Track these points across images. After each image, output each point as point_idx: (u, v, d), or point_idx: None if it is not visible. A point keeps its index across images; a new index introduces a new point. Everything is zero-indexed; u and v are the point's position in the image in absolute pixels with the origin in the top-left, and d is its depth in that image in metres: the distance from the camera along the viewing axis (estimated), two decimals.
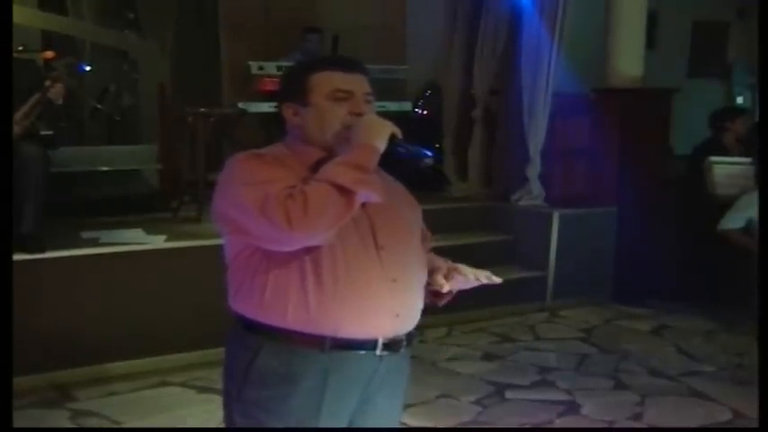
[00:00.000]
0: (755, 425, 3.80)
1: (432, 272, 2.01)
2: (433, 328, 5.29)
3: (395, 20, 7.23)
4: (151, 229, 4.97)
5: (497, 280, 2.00)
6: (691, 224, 5.89)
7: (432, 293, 2.04)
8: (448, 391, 4.14)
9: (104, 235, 4.76)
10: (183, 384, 4.30)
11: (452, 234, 5.68)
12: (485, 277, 1.99)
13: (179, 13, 6.99)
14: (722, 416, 3.95)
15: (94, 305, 4.36)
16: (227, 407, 1.91)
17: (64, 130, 4.63)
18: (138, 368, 4.40)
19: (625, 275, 5.96)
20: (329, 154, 1.84)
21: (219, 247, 4.90)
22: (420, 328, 5.74)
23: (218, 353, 4.69)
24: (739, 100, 9.05)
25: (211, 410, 3.95)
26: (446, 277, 2.00)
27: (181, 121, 5.60)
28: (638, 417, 3.95)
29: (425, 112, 7.20)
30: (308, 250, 1.75)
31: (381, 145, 1.78)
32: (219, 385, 4.33)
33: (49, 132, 4.45)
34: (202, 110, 5.47)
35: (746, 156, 6.03)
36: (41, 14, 6.11)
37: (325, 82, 1.88)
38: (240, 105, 5.96)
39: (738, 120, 6.26)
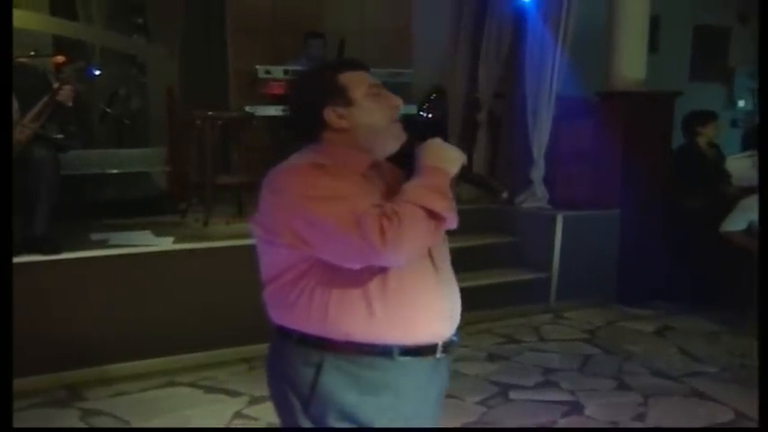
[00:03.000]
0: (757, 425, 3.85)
1: None
2: None
3: (401, 24, 7.27)
4: (159, 231, 5.02)
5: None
6: (692, 227, 5.93)
7: None
8: (453, 391, 4.15)
9: (113, 237, 4.81)
10: (191, 384, 4.35)
11: (457, 236, 5.71)
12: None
13: (187, 17, 7.04)
14: (725, 416, 3.98)
15: (104, 306, 4.41)
16: (290, 422, 1.87)
17: (74, 133, 4.67)
18: (147, 368, 4.45)
19: (628, 277, 6.00)
20: (376, 160, 1.85)
21: (226, 249, 4.96)
22: None
23: (226, 353, 4.79)
24: (741, 104, 9.09)
25: (219, 410, 4.02)
26: None
27: (189, 124, 5.65)
28: (641, 417, 3.98)
29: (431, 116, 7.18)
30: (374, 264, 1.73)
31: (454, 172, 1.78)
32: (227, 385, 4.42)
33: (60, 135, 4.50)
34: (210, 113, 5.52)
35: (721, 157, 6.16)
36: (53, 20, 6.17)
37: (358, 80, 1.85)
38: (247, 109, 6.01)
39: (709, 124, 6.30)
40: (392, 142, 1.87)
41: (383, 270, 1.73)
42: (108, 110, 6.92)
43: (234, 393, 4.22)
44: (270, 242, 1.79)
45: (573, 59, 6.07)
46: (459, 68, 6.87)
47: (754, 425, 3.83)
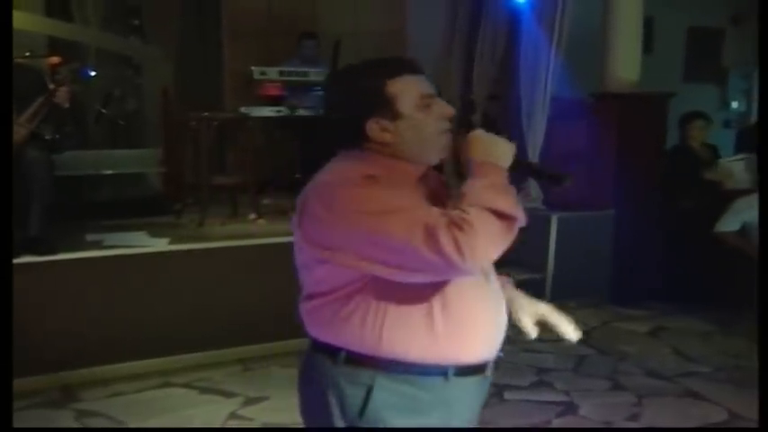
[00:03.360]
0: (752, 425, 3.87)
1: (508, 299, 1.91)
2: None
3: (395, 25, 7.27)
4: (154, 231, 5.03)
5: (576, 337, 1.97)
6: (686, 227, 5.95)
7: None
8: None
9: (108, 238, 4.81)
10: (186, 385, 4.35)
11: None
12: (571, 332, 1.97)
13: (182, 19, 7.05)
14: (718, 416, 4.00)
15: (99, 307, 4.41)
16: None
17: (69, 134, 4.68)
18: (142, 369, 4.45)
19: (622, 277, 6.02)
20: (426, 168, 1.76)
21: (221, 250, 4.97)
22: None
23: (221, 354, 4.80)
24: (734, 105, 9.13)
25: (214, 411, 4.03)
26: (534, 322, 1.95)
27: (184, 125, 5.66)
28: (635, 417, 4.00)
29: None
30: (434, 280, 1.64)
31: (508, 165, 1.68)
32: (222, 386, 4.42)
33: (55, 136, 4.50)
34: (205, 114, 5.53)
35: (714, 158, 6.19)
36: (48, 21, 6.17)
37: (410, 88, 1.71)
38: (242, 110, 6.02)
39: (690, 123, 6.32)
40: (437, 154, 1.77)
41: (443, 285, 1.64)
42: (103, 111, 6.91)
43: (229, 394, 4.23)
44: (321, 260, 1.67)
45: (567, 61, 6.09)
46: (454, 70, 6.89)
47: (747, 425, 3.86)
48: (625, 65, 6.11)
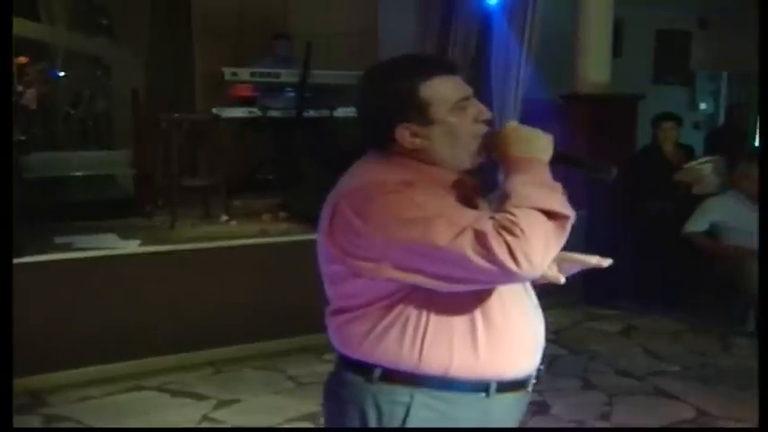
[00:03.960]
0: (719, 422, 3.93)
1: None
2: None
3: (367, 26, 7.27)
4: (125, 233, 4.98)
5: (606, 263, 1.85)
6: (655, 228, 6.01)
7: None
8: None
9: (78, 240, 4.76)
10: (157, 388, 4.32)
11: None
12: (597, 262, 1.85)
13: (152, 19, 7.00)
14: (686, 414, 4.03)
15: (68, 310, 4.36)
16: None
17: (37, 135, 4.63)
18: (112, 372, 4.41)
19: (594, 278, 6.00)
20: (461, 172, 1.65)
21: (192, 252, 4.95)
22: None
23: (193, 357, 4.76)
24: (702, 106, 9.25)
25: (185, 414, 4.00)
26: (559, 268, 1.81)
27: (154, 126, 5.62)
28: (606, 416, 4.03)
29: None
30: (476, 290, 1.55)
31: (548, 158, 1.57)
32: (194, 389, 4.39)
33: (22, 138, 4.45)
34: (176, 115, 5.50)
35: (687, 159, 6.25)
36: (15, 20, 6.09)
37: (445, 92, 1.60)
38: (214, 111, 5.99)
39: (664, 124, 6.37)
40: (472, 159, 1.65)
41: (485, 296, 1.57)
42: (72, 111, 6.85)
43: (201, 397, 4.20)
44: (356, 272, 1.56)
45: (538, 62, 6.12)
46: None
47: (715, 422, 3.91)
48: (595, 67, 6.16)
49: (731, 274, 5.32)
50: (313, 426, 3.87)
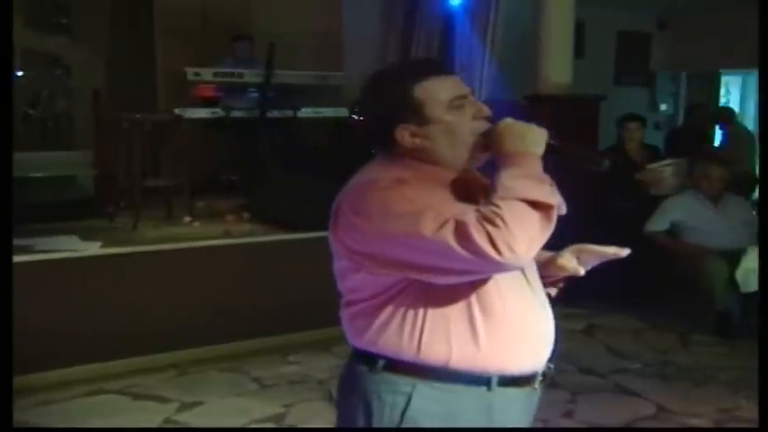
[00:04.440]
0: (679, 418, 3.99)
1: (545, 263, 1.85)
2: None
3: (331, 26, 7.27)
4: (86, 235, 4.92)
5: (624, 253, 1.88)
6: (617, 227, 6.08)
7: (548, 285, 1.87)
8: None
9: (39, 242, 4.69)
10: (119, 392, 4.27)
11: None
12: (614, 252, 1.88)
13: (113, 18, 6.91)
14: (646, 411, 4.08)
15: (29, 313, 4.29)
16: None
17: None
18: (74, 376, 4.35)
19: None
20: (461, 170, 1.68)
21: (155, 253, 4.90)
22: None
23: (155, 359, 4.72)
24: (663, 107, 9.38)
25: (147, 417, 3.96)
26: (577, 260, 1.86)
27: (116, 126, 5.55)
28: (569, 414, 4.06)
29: (362, 118, 7.27)
30: (473, 282, 1.58)
31: (541, 151, 1.59)
32: (156, 391, 4.35)
33: None
34: (138, 115, 5.44)
35: (655, 159, 6.34)
36: None
37: (438, 91, 1.64)
38: (176, 111, 5.95)
39: (629, 125, 6.45)
40: (471, 156, 1.67)
41: (482, 288, 1.59)
42: (31, 111, 6.75)
43: (163, 399, 4.17)
44: (356, 267, 1.62)
45: (501, 63, 6.17)
46: None
47: (674, 418, 3.97)
48: (557, 68, 6.21)
49: (690, 273, 5.41)
50: (276, 426, 3.87)
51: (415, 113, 1.64)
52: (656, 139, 8.29)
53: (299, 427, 3.90)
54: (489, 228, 1.42)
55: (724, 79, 9.64)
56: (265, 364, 4.73)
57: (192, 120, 6.07)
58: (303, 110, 6.45)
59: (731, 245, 5.40)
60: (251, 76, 6.32)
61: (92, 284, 4.49)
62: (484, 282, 1.59)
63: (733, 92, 9.94)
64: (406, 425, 1.63)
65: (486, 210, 1.45)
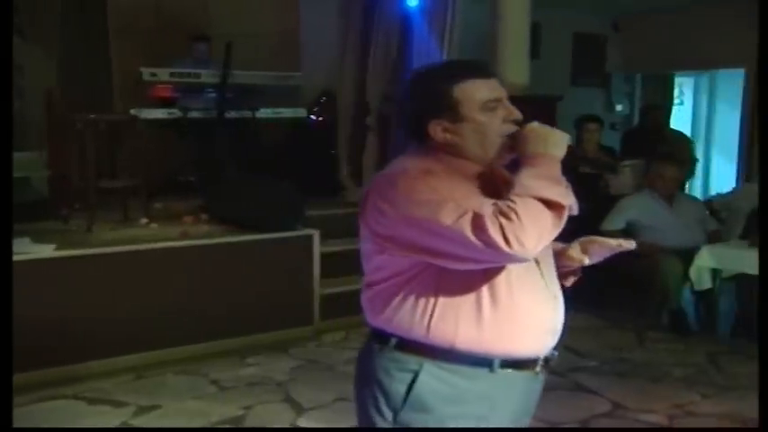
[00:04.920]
0: (633, 415, 4.05)
1: (557, 254, 1.96)
2: (330, 332, 5.36)
3: (289, 26, 7.24)
4: (39, 237, 4.82)
5: (631, 245, 1.98)
6: (575, 227, 6.15)
7: (563, 276, 1.98)
8: (345, 394, 4.18)
9: None
10: (74, 396, 4.21)
11: (348, 238, 5.75)
12: (617, 245, 1.99)
13: (65, 17, 6.79)
14: (602, 408, 4.14)
15: None
16: (373, 427, 1.82)
17: None
18: (27, 381, 4.25)
19: None
20: (487, 167, 1.79)
21: (110, 255, 4.83)
22: (318, 332, 5.78)
23: (112, 362, 4.66)
24: (618, 108, 9.50)
25: (102, 422, 3.92)
26: (584, 251, 1.98)
27: (69, 127, 5.46)
28: None
29: (320, 119, 7.26)
30: (485, 270, 1.69)
31: (562, 155, 1.72)
32: (113, 396, 4.30)
33: None
34: (92, 116, 5.36)
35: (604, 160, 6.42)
36: None
37: (474, 93, 1.76)
38: (132, 111, 5.87)
39: (587, 126, 6.53)
40: (497, 155, 1.79)
41: (494, 276, 1.70)
42: None
43: (119, 404, 4.12)
44: (379, 250, 1.75)
45: None
46: (348, 71, 6.91)
47: (629, 414, 4.03)
48: (514, 69, 6.25)
49: (646, 271, 5.48)
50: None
51: (451, 111, 1.75)
52: (613, 139, 8.41)
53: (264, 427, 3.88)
54: (503, 221, 1.54)
55: (677, 80, 9.79)
56: (223, 366, 4.70)
57: (148, 120, 6.00)
58: (261, 110, 6.41)
59: (685, 243, 5.50)
60: (208, 76, 6.26)
61: (46, 288, 4.41)
62: (495, 271, 1.70)
63: (686, 93, 10.11)
64: (411, 400, 1.74)
65: (502, 204, 1.57)
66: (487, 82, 1.79)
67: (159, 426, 3.88)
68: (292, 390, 4.35)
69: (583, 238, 2.02)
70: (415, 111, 1.82)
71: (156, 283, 4.77)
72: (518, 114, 1.79)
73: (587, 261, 1.97)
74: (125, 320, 4.62)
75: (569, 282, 2.02)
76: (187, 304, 4.85)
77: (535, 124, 1.75)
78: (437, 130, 1.76)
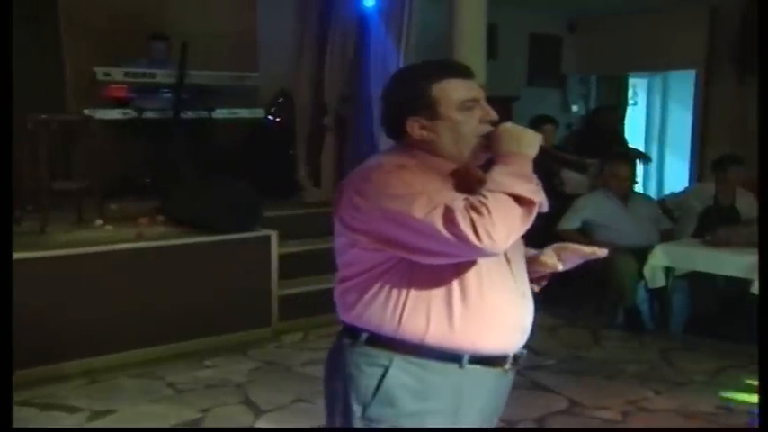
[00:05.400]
0: (589, 412, 4.10)
1: (530, 260, 1.98)
2: (289, 333, 5.34)
3: (246, 26, 7.19)
4: None
5: (603, 253, 2.01)
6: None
7: (534, 281, 2.00)
8: (304, 395, 4.19)
9: None
10: (24, 402, 4.11)
11: (306, 239, 5.75)
12: (591, 252, 2.01)
13: (15, 14, 6.64)
14: (559, 405, 4.18)
15: None
16: (343, 422, 1.83)
17: None
18: None
19: None
20: (462, 165, 1.81)
21: (63, 258, 4.76)
22: (276, 333, 5.75)
23: (65, 367, 4.58)
24: (574, 108, 9.61)
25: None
26: (558, 257, 2.00)
27: (21, 127, 5.36)
28: None
29: (278, 119, 7.23)
30: (455, 264, 1.71)
31: (534, 154, 1.74)
32: (66, 401, 4.23)
33: None
34: (44, 116, 5.27)
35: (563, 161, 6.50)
36: None
37: (452, 92, 1.80)
38: (86, 112, 5.79)
39: (543, 127, 6.58)
40: (471, 155, 1.82)
41: (464, 273, 1.72)
42: None
43: (73, 409, 4.06)
44: (352, 243, 1.77)
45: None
46: (305, 72, 6.89)
47: (585, 411, 4.08)
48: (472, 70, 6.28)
49: (602, 270, 5.54)
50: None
51: (429, 109, 1.79)
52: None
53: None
54: (474, 215, 1.57)
55: (631, 81, 9.94)
56: (181, 369, 4.66)
57: (103, 121, 5.91)
58: (218, 111, 6.36)
59: (639, 242, 5.58)
60: (163, 76, 6.20)
61: None
62: (466, 267, 1.73)
63: (640, 94, 10.27)
64: (380, 395, 1.76)
65: (474, 199, 1.61)
66: (466, 82, 1.83)
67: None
68: (251, 391, 4.32)
69: (556, 245, 2.05)
70: (394, 107, 1.86)
71: (110, 285, 4.71)
72: (494, 115, 1.83)
73: (561, 267, 2.00)
74: (78, 323, 4.55)
75: (539, 286, 2.05)
76: (143, 306, 4.80)
77: (509, 124, 1.79)
78: (414, 127, 1.80)
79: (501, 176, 1.66)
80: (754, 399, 4.24)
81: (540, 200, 1.68)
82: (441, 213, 1.58)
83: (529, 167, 1.72)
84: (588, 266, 5.68)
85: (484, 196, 1.61)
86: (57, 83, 6.81)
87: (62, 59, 6.83)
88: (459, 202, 1.60)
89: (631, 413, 4.07)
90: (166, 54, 6.62)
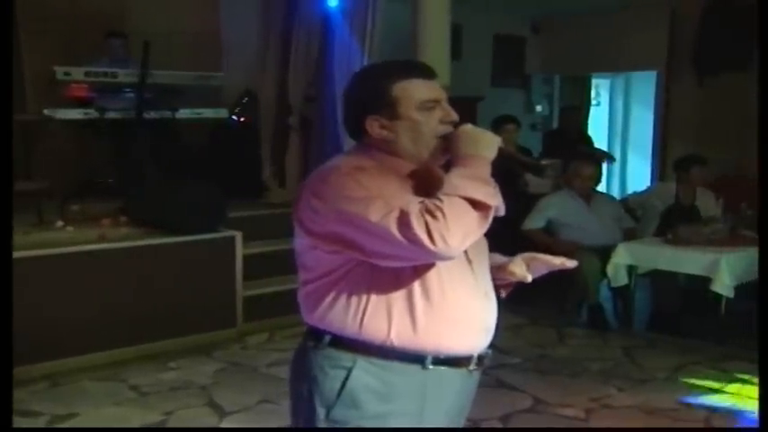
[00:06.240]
0: (553, 409, 4.14)
1: (498, 267, 1.99)
2: (254, 334, 5.31)
3: (209, 26, 7.13)
4: None
5: (572, 264, 2.02)
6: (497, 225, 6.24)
7: (500, 287, 2.00)
8: (269, 396, 4.17)
9: None
10: None
11: (271, 239, 5.72)
12: (561, 263, 2.01)
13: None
14: (524, 403, 4.21)
15: None
16: (307, 424, 1.82)
17: None
18: None
19: None
20: (421, 165, 1.81)
21: (23, 260, 4.69)
22: (241, 334, 5.72)
23: (25, 371, 4.52)
24: (538, 108, 9.68)
25: None
26: (527, 267, 1.99)
27: None
28: None
29: (242, 119, 7.19)
30: (416, 268, 1.71)
31: (492, 156, 1.74)
32: (26, 405, 4.18)
33: None
34: None
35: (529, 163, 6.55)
36: None
37: (413, 92, 1.79)
38: (46, 112, 5.70)
39: (504, 127, 6.61)
40: (431, 155, 1.81)
41: (425, 274, 1.72)
42: None
43: (34, 414, 3.99)
44: (312, 245, 1.77)
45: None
46: (269, 72, 6.85)
47: (549, 409, 4.12)
48: (435, 69, 6.29)
49: (565, 269, 5.60)
50: None
51: (389, 108, 1.78)
52: (533, 139, 8.57)
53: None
54: (429, 219, 1.57)
55: (594, 82, 10.04)
56: (144, 371, 4.61)
57: (63, 121, 5.83)
58: (181, 111, 6.30)
59: (603, 241, 5.64)
60: (126, 75, 6.12)
61: None
62: (426, 269, 1.72)
63: (603, 94, 10.39)
64: (344, 397, 1.76)
65: (429, 203, 1.60)
66: (427, 83, 1.82)
67: None
68: (215, 393, 4.29)
69: (526, 255, 2.05)
70: (355, 106, 1.85)
71: (72, 287, 4.64)
72: (455, 116, 1.82)
73: (530, 278, 1.99)
74: (39, 326, 4.48)
75: (506, 292, 2.06)
76: (106, 308, 4.74)
77: (468, 126, 1.79)
78: (374, 125, 1.79)
79: (458, 179, 1.66)
80: (715, 396, 4.32)
81: (497, 204, 1.69)
82: (396, 217, 1.58)
83: (486, 170, 1.72)
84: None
85: (440, 200, 1.60)
86: (15, 82, 6.70)
87: (21, 59, 6.72)
88: (414, 205, 1.60)
89: (595, 410, 4.11)
90: (125, 52, 6.54)
